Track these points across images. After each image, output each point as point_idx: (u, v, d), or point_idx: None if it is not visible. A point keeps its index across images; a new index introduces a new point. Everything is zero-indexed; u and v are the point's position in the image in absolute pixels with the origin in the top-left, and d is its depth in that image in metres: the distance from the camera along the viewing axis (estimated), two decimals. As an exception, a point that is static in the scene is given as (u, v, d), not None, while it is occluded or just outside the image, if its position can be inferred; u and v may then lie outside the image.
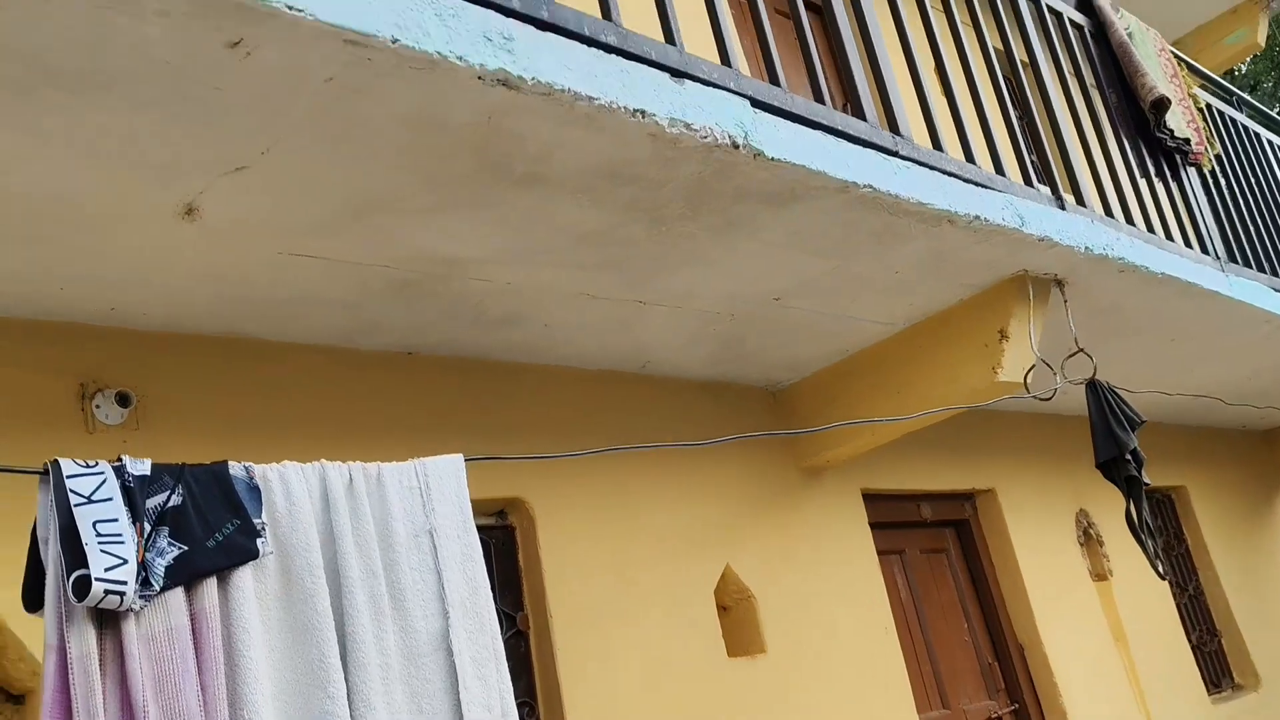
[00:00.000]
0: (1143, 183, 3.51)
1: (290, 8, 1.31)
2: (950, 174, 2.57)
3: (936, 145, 2.65)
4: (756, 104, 2.09)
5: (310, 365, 2.42)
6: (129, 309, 2.06)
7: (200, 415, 2.19)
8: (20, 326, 1.99)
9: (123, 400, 2.02)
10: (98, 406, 2.00)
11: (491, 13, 1.59)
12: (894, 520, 3.92)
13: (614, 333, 2.77)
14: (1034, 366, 2.94)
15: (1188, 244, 3.53)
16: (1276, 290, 3.89)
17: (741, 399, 3.44)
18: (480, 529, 2.55)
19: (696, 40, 2.25)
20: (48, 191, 1.61)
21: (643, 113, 1.76)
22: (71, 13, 1.23)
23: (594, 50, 1.74)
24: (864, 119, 2.44)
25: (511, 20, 1.62)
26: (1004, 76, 3.17)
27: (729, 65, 2.11)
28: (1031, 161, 3.18)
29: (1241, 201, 4.08)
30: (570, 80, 1.65)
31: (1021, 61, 3.27)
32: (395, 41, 1.43)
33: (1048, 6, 3.42)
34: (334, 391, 2.45)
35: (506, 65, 1.56)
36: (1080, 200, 3.13)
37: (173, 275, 1.97)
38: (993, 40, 3.19)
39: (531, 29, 1.65)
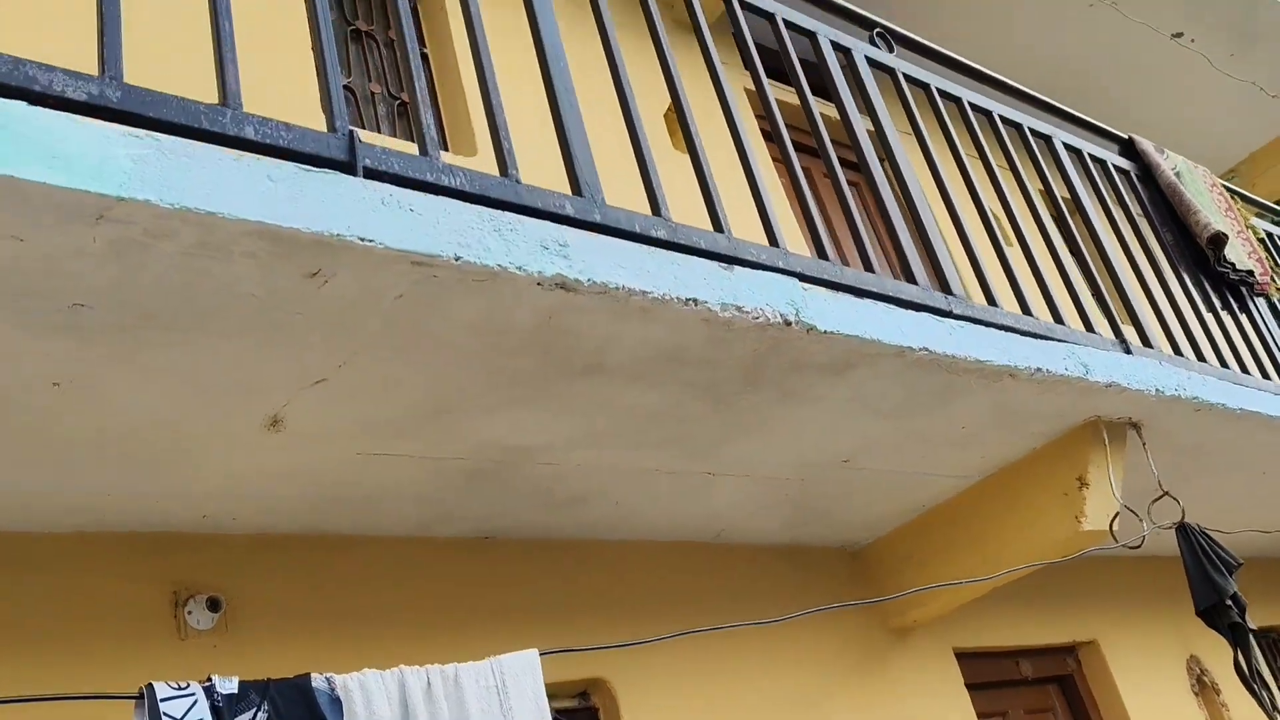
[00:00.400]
0: (1210, 318, 3.48)
1: (362, 239, 1.43)
2: (1007, 328, 2.59)
3: (991, 300, 2.69)
4: (806, 278, 2.17)
5: (389, 556, 2.48)
6: (219, 516, 2.16)
7: (286, 614, 2.25)
8: (117, 539, 2.10)
9: (213, 605, 2.10)
10: (189, 613, 2.07)
11: (548, 223, 1.71)
12: (992, 680, 3.76)
13: (684, 505, 2.79)
14: (1119, 513, 2.87)
15: (1265, 375, 3.46)
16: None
17: (820, 561, 3.40)
18: (563, 712, 2.53)
19: (744, 220, 2.35)
20: (146, 417, 1.73)
21: (695, 301, 1.84)
22: (168, 263, 1.36)
23: (645, 246, 1.84)
24: (914, 281, 2.50)
25: (566, 227, 1.73)
26: (1054, 223, 3.22)
27: (777, 245, 2.20)
28: (1096, 306, 3.19)
29: (1318, 326, 4.01)
30: (623, 278, 1.74)
31: (1067, 205, 3.33)
32: (458, 259, 1.53)
33: (1090, 155, 3.50)
34: (413, 581, 2.50)
35: (563, 270, 1.66)
36: (1146, 342, 3.12)
37: (259, 481, 2.07)
38: (1034, 185, 3.26)
39: (585, 233, 1.76)
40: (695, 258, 1.93)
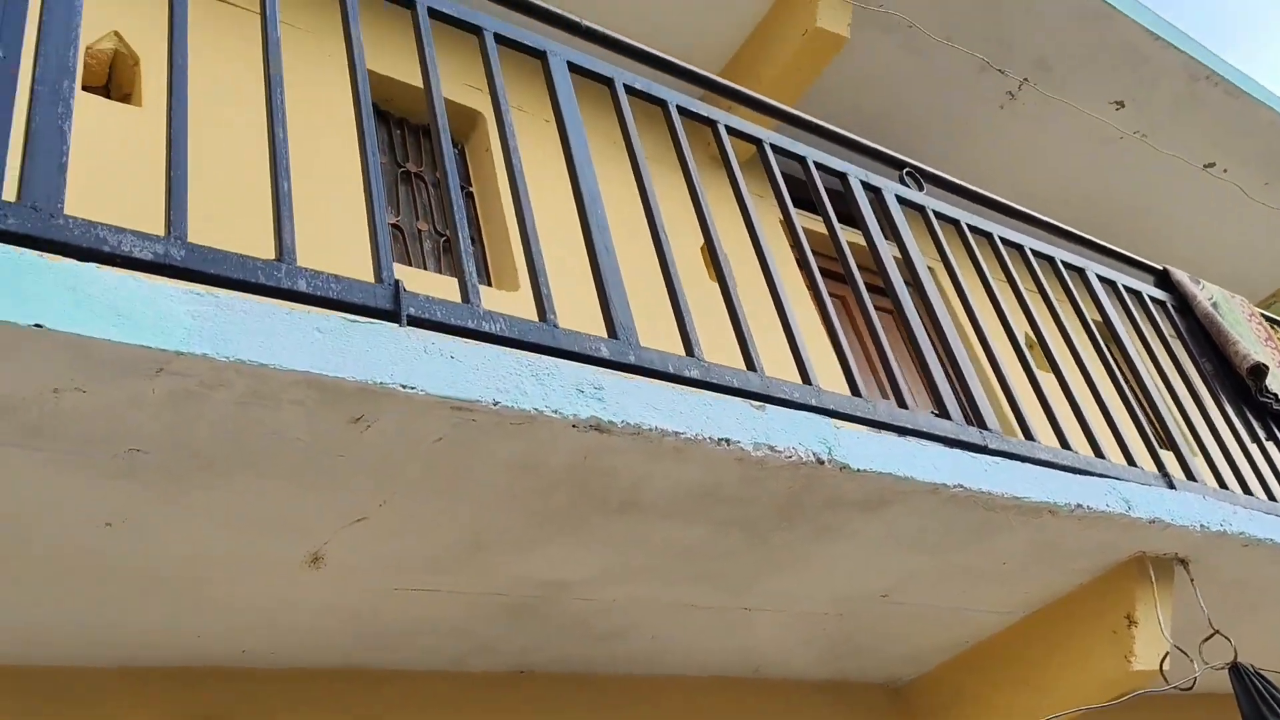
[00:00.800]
0: (1254, 449, 3.44)
1: (404, 386, 1.49)
2: (1045, 463, 2.58)
3: (1027, 434, 2.69)
4: (839, 415, 2.19)
5: (425, 690, 2.48)
6: (259, 650, 2.18)
7: (320, 751, 2.24)
8: (159, 674, 2.12)
9: (248, 742, 2.10)
10: (224, 749, 2.07)
11: (584, 365, 1.76)
12: (1045, 826, 3.59)
13: (721, 639, 2.76)
14: (1169, 653, 2.79)
15: (1316, 508, 3.38)
16: None
17: (861, 697, 3.32)
18: None
19: (776, 346, 2.39)
20: (190, 554, 1.78)
21: (727, 441, 1.87)
22: (220, 411, 1.42)
23: (678, 388, 1.89)
24: (947, 416, 2.51)
25: (601, 370, 1.78)
26: (1091, 354, 3.23)
27: (809, 382, 2.23)
28: (1138, 439, 3.17)
29: (1369, 457, 3.93)
30: (656, 419, 1.78)
31: (1103, 335, 3.34)
32: (496, 404, 1.59)
33: (1125, 287, 3.52)
34: (449, 715, 2.48)
35: (598, 413, 1.70)
36: (1190, 475, 3.08)
37: (299, 617, 2.10)
38: (1068, 316, 3.28)
39: (620, 375, 1.81)
40: (728, 397, 1.97)
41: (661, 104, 2.49)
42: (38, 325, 1.18)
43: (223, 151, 2.84)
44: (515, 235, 3.52)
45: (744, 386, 2.05)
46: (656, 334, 2.21)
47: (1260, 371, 3.49)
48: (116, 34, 3.04)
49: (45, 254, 1.25)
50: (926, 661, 3.28)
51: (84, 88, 2.92)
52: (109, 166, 2.66)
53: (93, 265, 1.28)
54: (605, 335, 1.95)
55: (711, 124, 2.60)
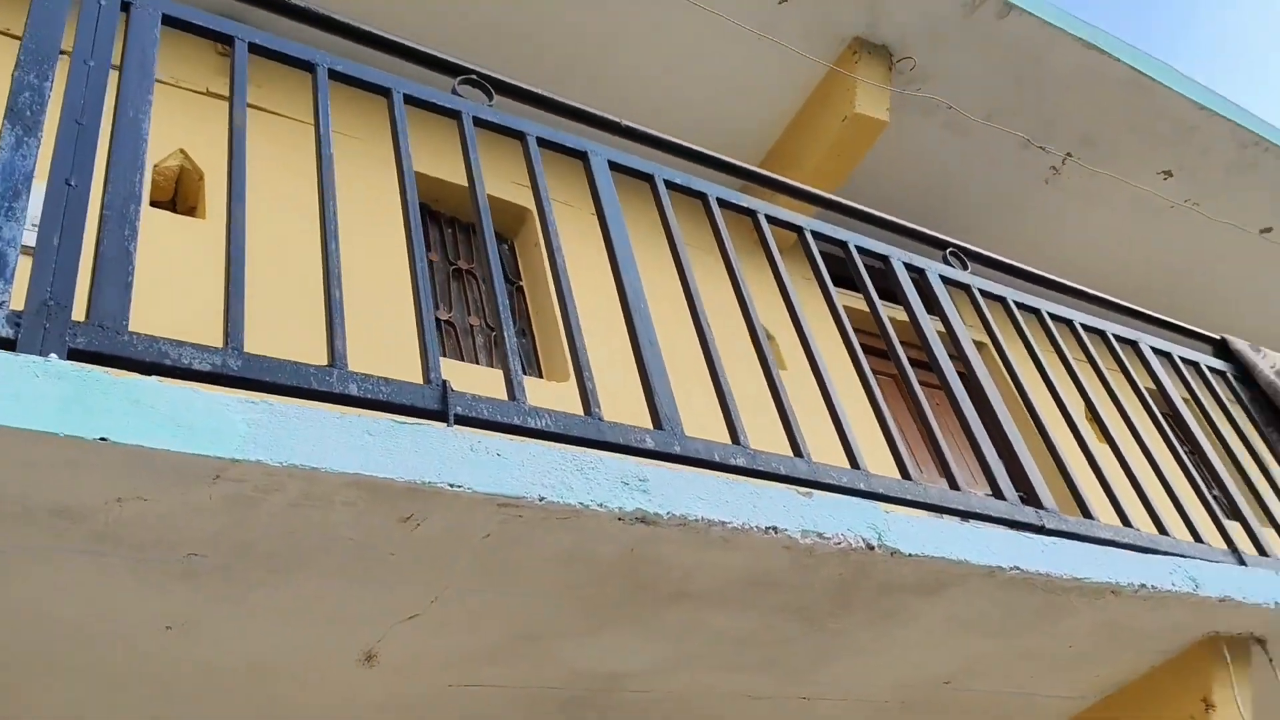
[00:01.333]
0: (1330, 521, 3.32)
1: (451, 485, 1.52)
2: (1106, 541, 2.53)
3: (1085, 512, 2.64)
4: (888, 499, 2.18)
5: (482, 788, 2.46)
6: (315, 749, 2.19)
7: None
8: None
9: (306, 843, 2.10)
10: None
11: (628, 458, 1.79)
12: None
13: (783, 731, 2.71)
14: (1250, 737, 2.68)
15: (1401, 582, 3.25)
16: None
17: (931, 790, 3.21)
18: None
19: (821, 429, 2.39)
20: (248, 654, 1.81)
21: (774, 529, 1.87)
22: (276, 513, 1.47)
23: (725, 476, 1.90)
24: (1001, 496, 2.48)
25: (645, 462, 1.80)
26: (1151, 428, 3.17)
27: (857, 466, 2.23)
28: (1205, 514, 3.09)
29: None
30: (703, 509, 1.79)
31: (1161, 407, 3.28)
32: (542, 500, 1.61)
33: (1181, 358, 3.47)
34: (506, 814, 2.46)
35: (643, 505, 1.72)
36: (1261, 549, 2.99)
37: (353, 713, 2.11)
38: (1123, 390, 3.24)
39: (665, 466, 1.83)
40: (775, 484, 1.98)
41: (701, 196, 2.56)
42: (103, 439, 1.24)
43: (279, 258, 2.96)
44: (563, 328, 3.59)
45: (790, 473, 2.06)
46: (704, 424, 2.23)
47: (1329, 440, 3.39)
48: (183, 151, 3.22)
49: (111, 370, 1.32)
50: (997, 751, 3.18)
51: (151, 203, 3.08)
52: (176, 277, 2.78)
53: (155, 379, 1.34)
54: (650, 427, 1.97)
55: (751, 214, 2.65)
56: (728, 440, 2.06)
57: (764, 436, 2.21)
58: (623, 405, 2.20)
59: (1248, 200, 5.65)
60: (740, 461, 2.01)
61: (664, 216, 2.41)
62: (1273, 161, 5.40)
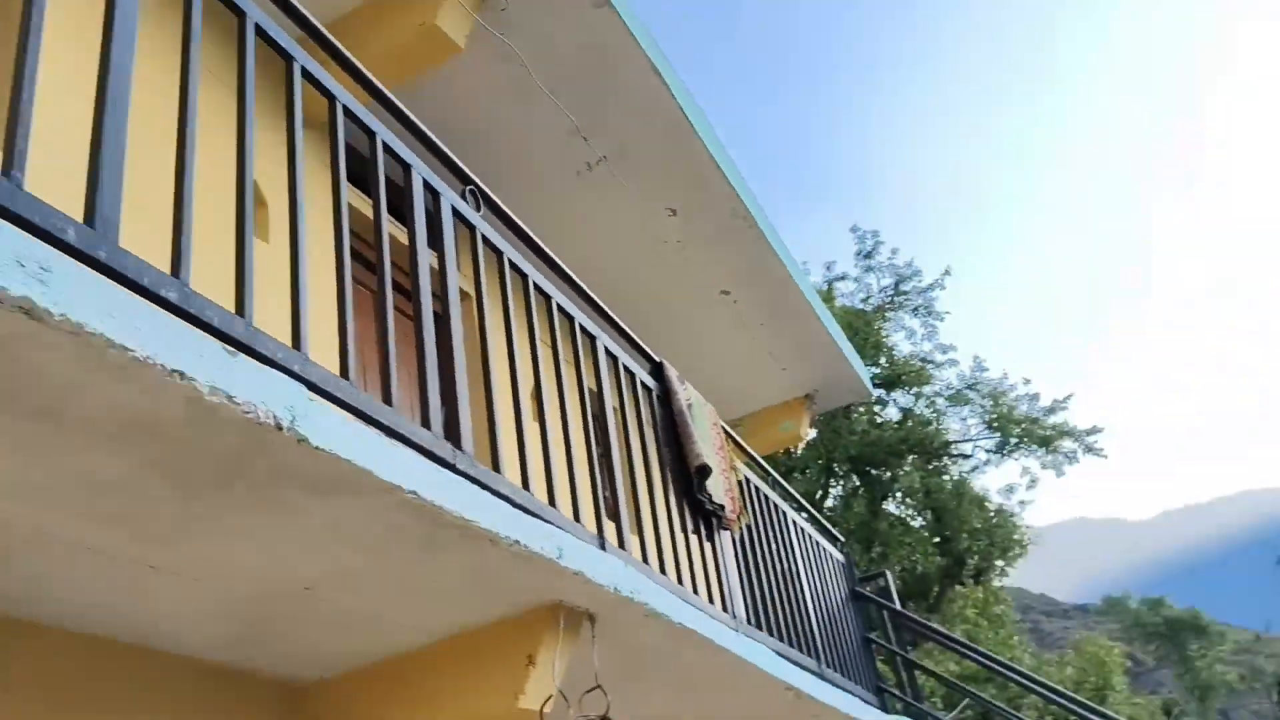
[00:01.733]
0: (681, 537, 3.86)
1: None
2: (502, 496, 2.68)
3: (496, 467, 2.78)
4: (316, 389, 2.11)
5: None
6: None
7: None
8: None
9: None
10: None
11: (34, 239, 1.52)
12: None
13: (114, 595, 2.49)
14: (552, 697, 2.99)
15: (710, 600, 3.87)
16: (782, 656, 4.32)
17: (254, 690, 3.16)
18: None
19: (274, 318, 2.25)
20: None
21: (183, 375, 1.70)
22: None
23: (148, 303, 1.70)
24: (429, 429, 2.53)
25: (55, 250, 1.54)
26: (578, 415, 3.45)
27: (299, 349, 2.13)
28: (592, 501, 3.41)
29: (763, 570, 4.60)
30: (108, 327, 1.57)
31: (594, 401, 3.59)
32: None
33: (625, 366, 3.83)
34: None
35: (33, 295, 1.47)
36: (622, 544, 3.37)
37: None
38: (568, 377, 3.49)
39: (83, 268, 1.59)
40: (203, 334, 1.81)
41: (241, 15, 2.29)
42: None
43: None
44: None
45: (224, 328, 1.90)
46: (150, 246, 1.97)
47: (705, 472, 3.95)
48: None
49: None
50: (332, 666, 3.22)
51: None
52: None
53: None
54: (82, 220, 1.70)
55: (288, 60, 2.44)
56: (169, 270, 1.85)
57: (219, 292, 2.02)
58: (67, 190, 1.88)
59: (721, 259, 6.44)
60: (172, 296, 1.81)
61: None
62: (748, 235, 6.21)
